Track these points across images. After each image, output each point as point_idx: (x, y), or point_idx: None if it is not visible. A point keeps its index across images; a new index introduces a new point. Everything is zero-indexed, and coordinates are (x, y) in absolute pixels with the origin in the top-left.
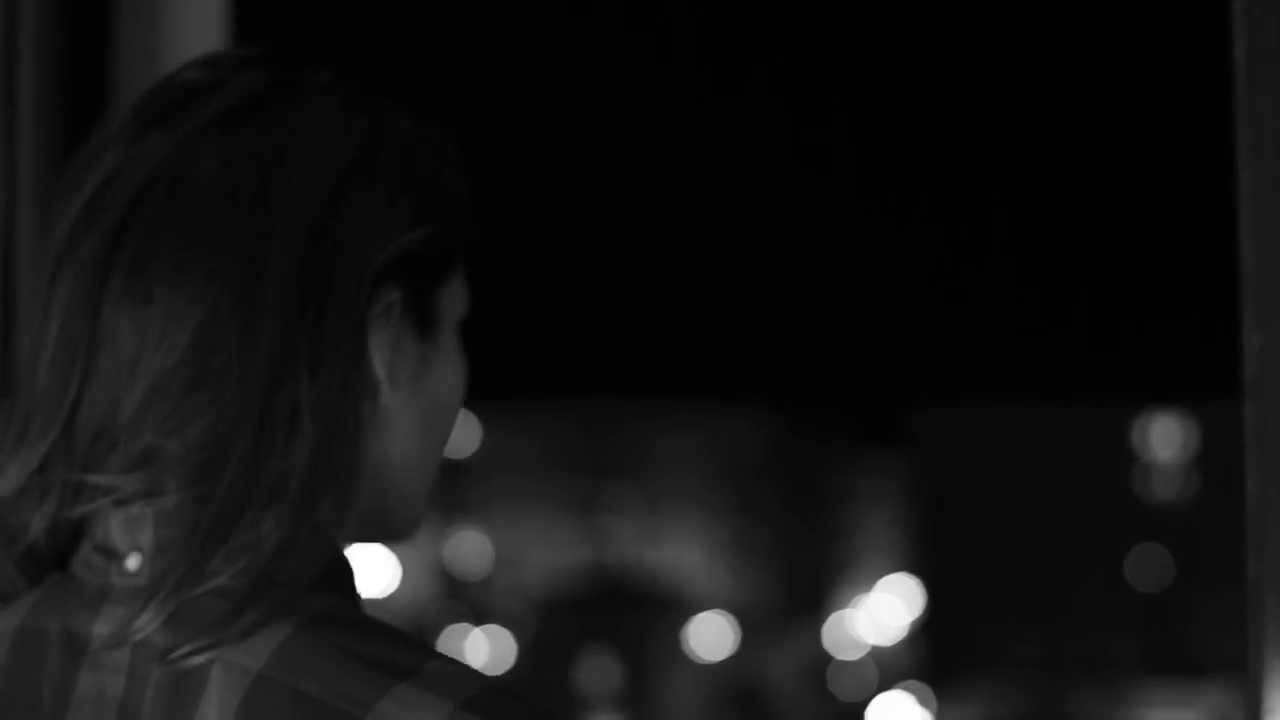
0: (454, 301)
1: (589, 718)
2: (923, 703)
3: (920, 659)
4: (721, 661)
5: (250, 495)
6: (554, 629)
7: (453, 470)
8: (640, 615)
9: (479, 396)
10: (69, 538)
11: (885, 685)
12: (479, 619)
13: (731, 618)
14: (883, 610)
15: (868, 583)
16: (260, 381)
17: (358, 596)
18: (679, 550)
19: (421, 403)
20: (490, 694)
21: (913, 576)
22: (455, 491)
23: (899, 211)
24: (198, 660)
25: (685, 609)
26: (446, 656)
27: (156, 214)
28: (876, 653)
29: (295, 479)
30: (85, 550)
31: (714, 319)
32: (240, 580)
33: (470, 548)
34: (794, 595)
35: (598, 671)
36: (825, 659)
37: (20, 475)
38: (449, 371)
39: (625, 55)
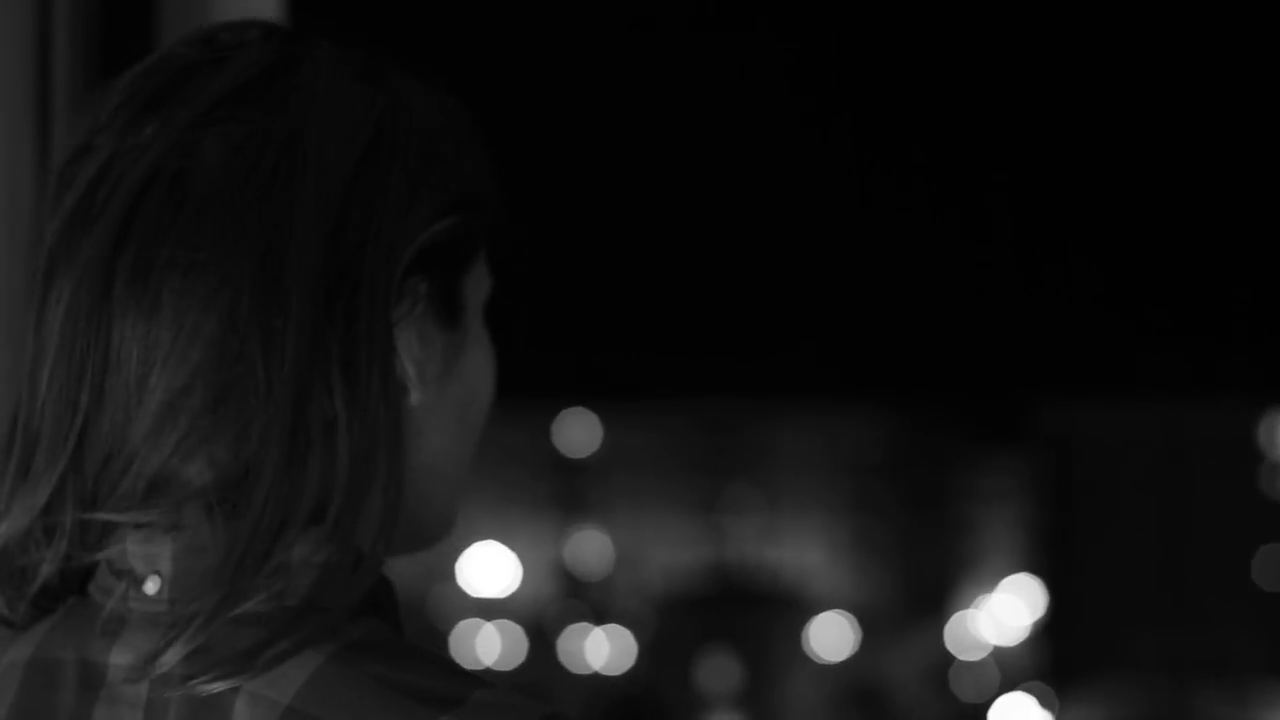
0: (478, 285)
1: (708, 718)
2: (1045, 704)
3: (1042, 660)
4: (842, 661)
5: (288, 517)
6: (674, 628)
7: (572, 470)
8: (760, 615)
9: (598, 395)
10: (86, 566)
11: (1007, 686)
12: (599, 619)
13: (852, 617)
14: (1005, 610)
15: (989, 583)
16: (289, 393)
17: (399, 620)
18: (799, 549)
19: (452, 398)
20: None
21: (1035, 577)
22: (575, 491)
23: (1019, 206)
24: (219, 688)
25: (806, 609)
26: (496, 685)
27: (160, 212)
28: (998, 653)
29: (337, 496)
30: (101, 573)
31: (834, 316)
32: (271, 605)
33: (591, 547)
34: (915, 595)
35: (717, 671)
36: (947, 659)
37: (27, 515)
38: (478, 359)
39: (721, 63)
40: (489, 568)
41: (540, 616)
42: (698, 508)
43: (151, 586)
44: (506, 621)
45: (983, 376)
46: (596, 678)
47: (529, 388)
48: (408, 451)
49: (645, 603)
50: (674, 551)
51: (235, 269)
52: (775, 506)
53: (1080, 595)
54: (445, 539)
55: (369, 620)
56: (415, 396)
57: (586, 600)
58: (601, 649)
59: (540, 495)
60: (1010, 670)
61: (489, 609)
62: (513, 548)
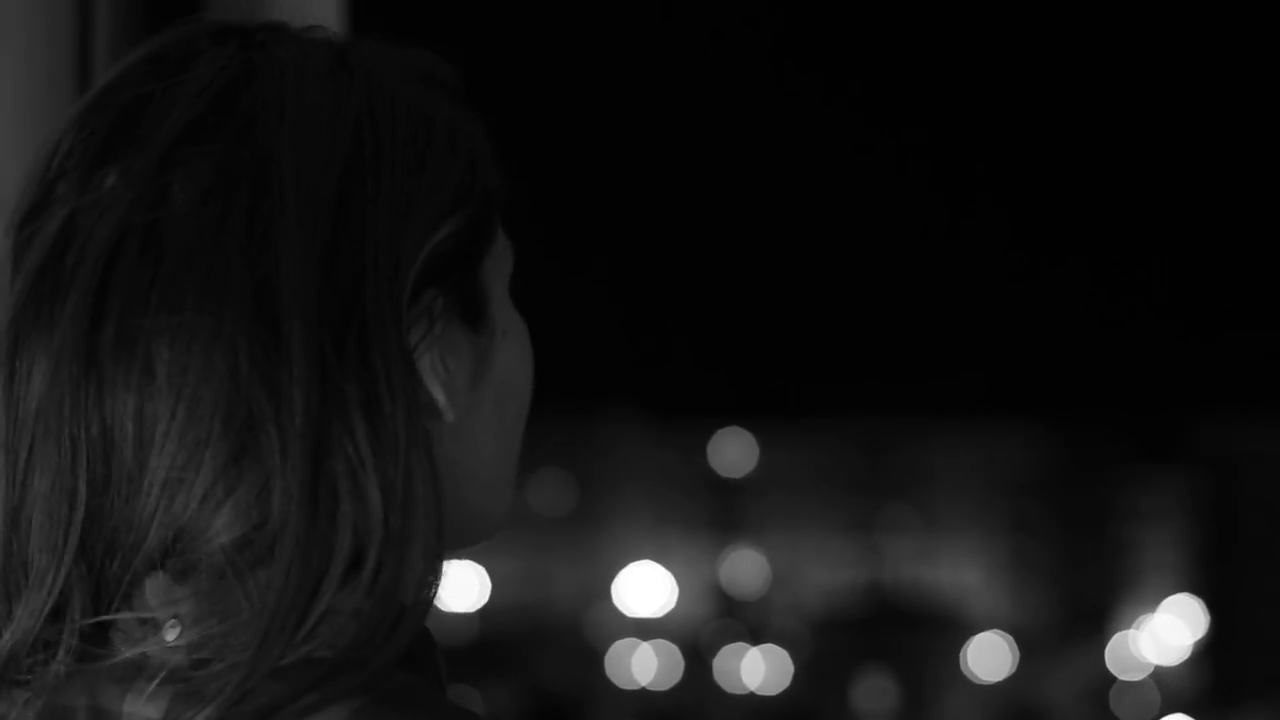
0: (499, 264)
1: None
2: None
3: (1203, 681)
4: (1000, 682)
5: (322, 572)
6: (830, 648)
7: (728, 489)
8: (917, 635)
9: (755, 415)
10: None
11: (1168, 707)
12: (755, 638)
13: (1010, 638)
14: (1166, 631)
15: (1150, 603)
16: (305, 448)
17: (439, 671)
18: (956, 569)
19: (487, 402)
20: None
21: (1196, 597)
22: (730, 511)
23: (1178, 230)
24: None
25: (963, 629)
26: None
27: (136, 276)
28: (1158, 674)
29: (374, 545)
30: (126, 621)
31: (992, 337)
32: (300, 658)
33: (746, 567)
34: (1074, 615)
35: (874, 691)
36: (1107, 680)
37: (33, 619)
38: (511, 347)
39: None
40: (645, 588)
41: (696, 636)
42: (854, 527)
43: (171, 635)
44: (662, 641)
45: (1141, 395)
46: (752, 698)
47: (685, 407)
48: (447, 479)
49: (801, 623)
50: (830, 571)
51: (226, 326)
52: (932, 526)
53: (1242, 615)
54: (492, 536)
55: (401, 674)
56: (450, 415)
57: (742, 620)
58: (757, 669)
59: (695, 515)
60: (1171, 691)
61: (645, 629)
62: (668, 567)
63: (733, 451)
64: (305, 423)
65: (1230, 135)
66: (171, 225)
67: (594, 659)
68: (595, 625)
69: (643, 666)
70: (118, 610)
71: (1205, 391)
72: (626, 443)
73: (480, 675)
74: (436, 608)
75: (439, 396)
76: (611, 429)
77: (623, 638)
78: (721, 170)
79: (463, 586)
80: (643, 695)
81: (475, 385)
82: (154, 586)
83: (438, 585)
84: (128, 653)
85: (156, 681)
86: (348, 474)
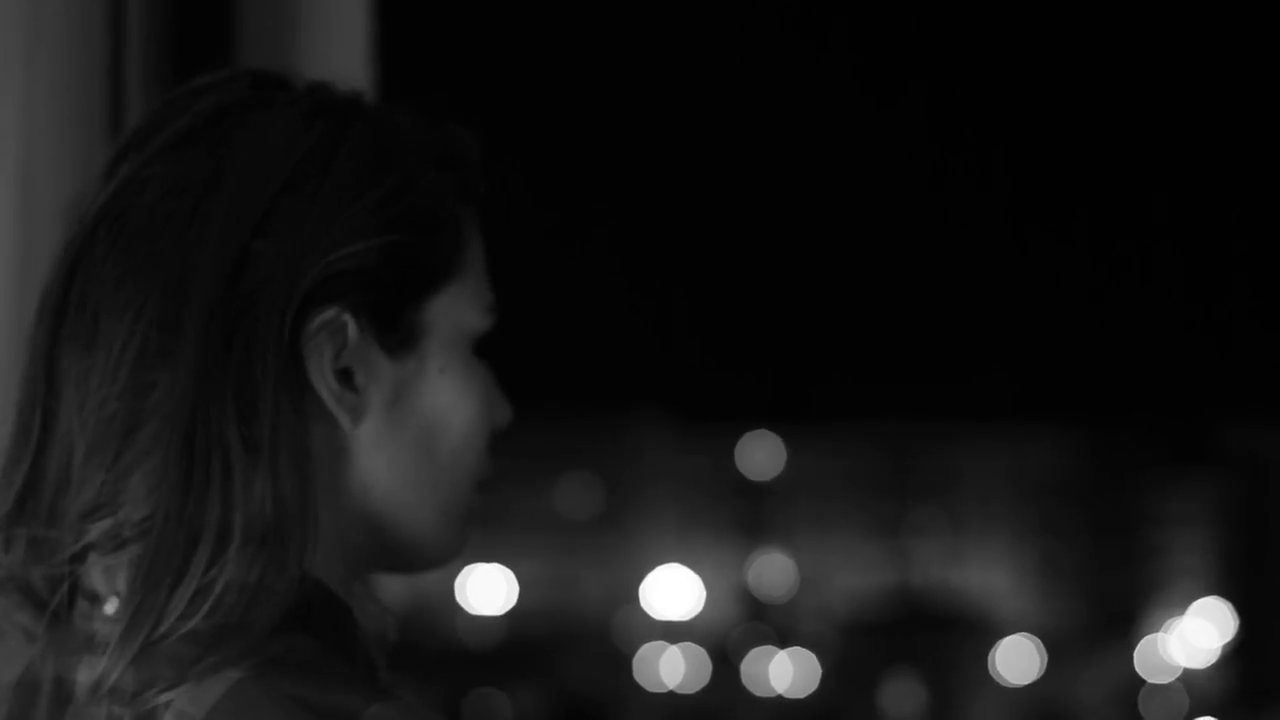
0: (453, 314)
1: None
2: None
3: (1232, 683)
4: (1028, 685)
5: (192, 539)
6: (858, 652)
7: (756, 493)
8: (945, 638)
9: (782, 418)
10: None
11: (1197, 710)
12: (783, 641)
13: (1038, 641)
14: (1195, 634)
15: (1179, 606)
16: (181, 420)
17: (342, 634)
18: (985, 573)
19: (410, 427)
20: None
21: (1225, 600)
22: (758, 514)
23: (1205, 231)
24: (159, 702)
25: (991, 632)
26: (401, 703)
27: (103, 249)
28: (1187, 677)
29: (240, 520)
30: (80, 597)
31: (1020, 340)
32: (210, 624)
33: (774, 570)
34: (1102, 618)
35: (902, 695)
36: (1135, 683)
37: None
38: (444, 392)
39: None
40: (672, 591)
41: (724, 639)
42: (882, 531)
43: (110, 608)
44: (690, 644)
45: (1170, 399)
46: (780, 700)
47: (712, 410)
48: (349, 476)
49: (829, 626)
50: (858, 575)
51: (150, 301)
52: (960, 530)
53: (1271, 618)
54: (441, 564)
55: (294, 637)
56: (349, 422)
57: (770, 623)
58: (785, 672)
59: (723, 518)
60: (1200, 694)
61: (673, 632)
62: (696, 571)
63: (760, 455)
64: (184, 397)
65: (1258, 139)
66: (136, 212)
67: (621, 662)
68: (623, 628)
69: (670, 669)
70: (68, 581)
71: (1235, 395)
72: (654, 446)
73: (507, 678)
74: (465, 610)
75: (330, 404)
76: (639, 432)
77: (650, 641)
78: (751, 176)
79: (490, 590)
80: (670, 698)
81: (393, 407)
82: (97, 564)
83: (319, 553)
84: (81, 626)
85: (101, 652)
86: (219, 453)
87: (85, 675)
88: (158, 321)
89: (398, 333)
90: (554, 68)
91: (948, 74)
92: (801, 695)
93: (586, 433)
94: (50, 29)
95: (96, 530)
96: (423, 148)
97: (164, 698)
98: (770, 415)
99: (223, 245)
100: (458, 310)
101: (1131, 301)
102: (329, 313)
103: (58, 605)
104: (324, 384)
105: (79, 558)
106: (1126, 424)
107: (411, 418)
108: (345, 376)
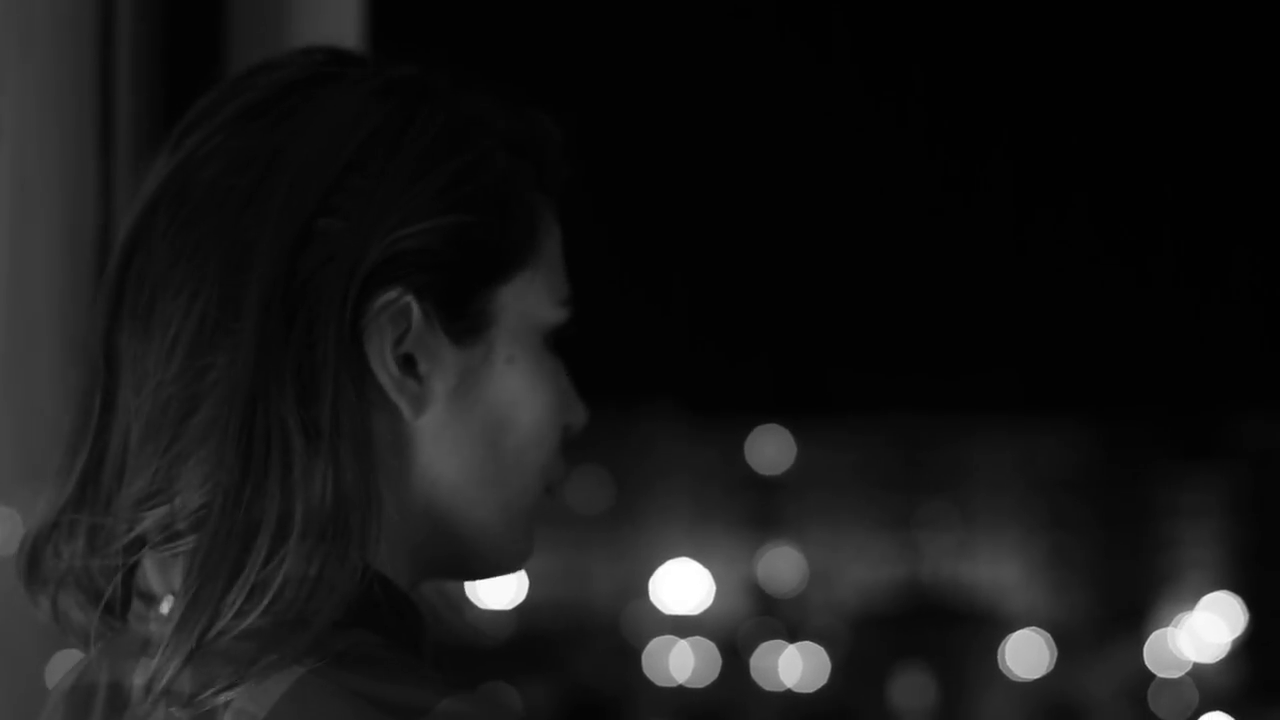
0: (523, 303)
1: None
2: None
3: (1242, 678)
4: (1038, 679)
5: (250, 530)
6: (868, 646)
7: (766, 487)
8: (955, 632)
9: (792, 411)
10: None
11: (1206, 705)
12: (793, 636)
13: (1048, 635)
14: (1205, 628)
15: (1189, 600)
16: (240, 403)
17: (407, 629)
18: (995, 566)
19: (475, 420)
20: None
21: (1235, 594)
22: (768, 508)
23: (1218, 226)
24: (218, 703)
25: (1001, 626)
26: (474, 696)
27: (162, 226)
28: (1197, 671)
29: (301, 510)
30: (135, 598)
31: (1030, 334)
32: (268, 620)
33: (784, 564)
34: (1112, 612)
35: (912, 688)
36: (1145, 677)
37: (51, 511)
38: (513, 384)
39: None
40: (682, 585)
41: (733, 633)
42: (892, 524)
43: (165, 606)
44: (700, 638)
45: (1182, 392)
46: (789, 695)
47: (722, 404)
48: (411, 468)
49: (839, 620)
50: (868, 568)
51: (208, 279)
52: (970, 523)
53: None
54: (506, 569)
55: (357, 632)
56: (411, 412)
57: (780, 617)
58: (795, 666)
59: (733, 512)
60: (1208, 688)
61: (682, 626)
62: (706, 565)
63: (770, 449)
64: (245, 379)
65: (1271, 134)
66: (195, 189)
67: (631, 656)
68: (632, 622)
69: (680, 664)
70: (123, 582)
71: (1246, 388)
72: (664, 440)
73: (517, 672)
74: (474, 604)
75: (390, 390)
76: (649, 426)
77: (660, 635)
78: (763, 170)
79: (500, 584)
80: (680, 692)
81: (457, 398)
82: (151, 560)
83: (381, 548)
84: (137, 628)
85: (156, 654)
86: (279, 439)
87: (140, 678)
88: (216, 300)
89: (464, 319)
90: (559, 57)
91: (960, 66)
92: (811, 689)
93: (597, 426)
94: (42, 28)
95: (151, 519)
96: (499, 131)
97: (223, 698)
98: (780, 409)
99: (284, 223)
100: (528, 300)
101: (1143, 295)
102: (391, 294)
103: (113, 602)
104: (384, 369)
105: (132, 549)
106: (1137, 418)
107: (478, 408)
108: (408, 363)
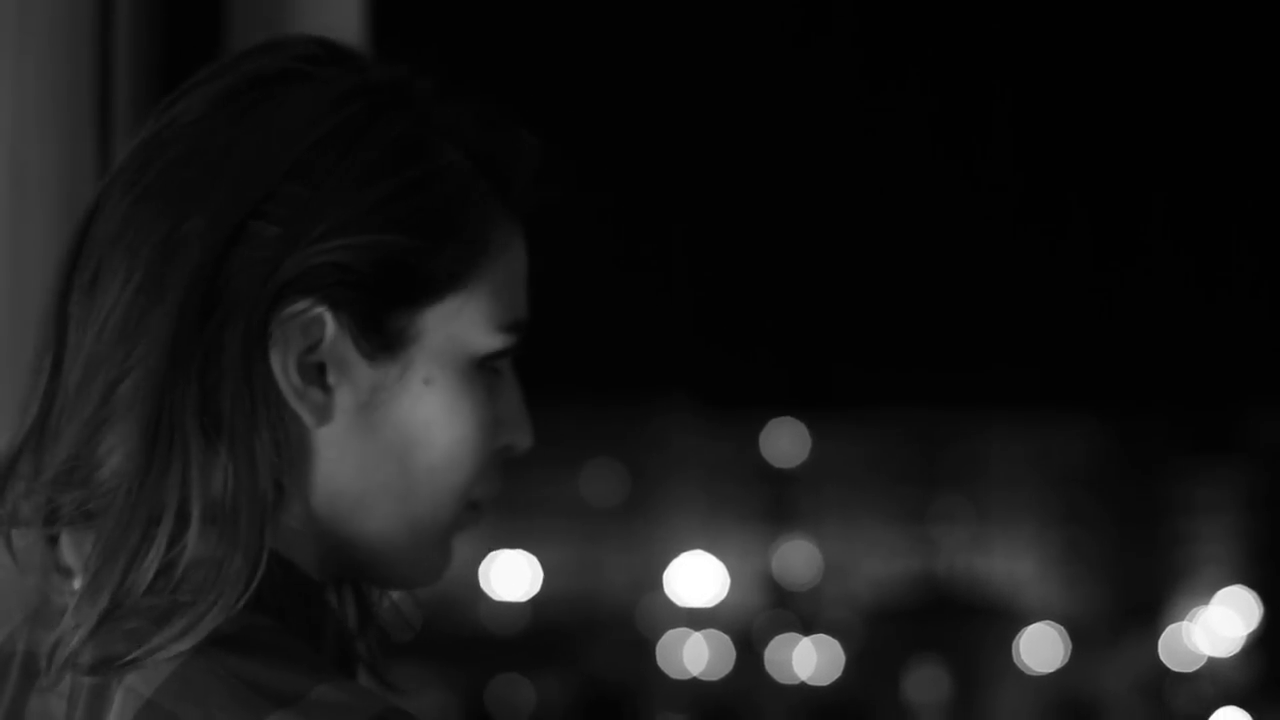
0: (451, 327)
1: None
2: (1260, 719)
3: (1257, 672)
4: (1052, 673)
5: (152, 518)
6: (883, 639)
7: (780, 480)
8: (970, 626)
9: (807, 405)
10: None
11: (1221, 699)
12: (807, 629)
13: (1063, 629)
14: (1220, 623)
15: (1204, 595)
16: (148, 397)
17: (309, 618)
18: (1010, 560)
19: (383, 436)
20: None
21: (1250, 589)
22: (783, 501)
23: (1227, 221)
24: (111, 678)
25: (1016, 620)
26: (351, 684)
27: (116, 197)
28: (1212, 666)
29: (198, 504)
30: (54, 571)
31: (1045, 329)
32: (166, 599)
33: (798, 557)
34: (1127, 607)
35: (926, 682)
36: (1160, 672)
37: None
38: (428, 405)
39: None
40: (697, 578)
41: (748, 626)
42: (907, 518)
43: (78, 582)
44: (714, 631)
45: (1197, 387)
46: (803, 688)
47: (737, 397)
48: (313, 474)
49: (853, 613)
50: (883, 562)
51: (140, 263)
52: (985, 517)
53: None
54: (418, 583)
55: (252, 616)
56: (312, 420)
57: (794, 610)
58: (809, 659)
59: (748, 505)
60: (1223, 683)
61: (697, 619)
62: (720, 558)
63: (785, 442)
64: (158, 365)
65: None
66: (150, 171)
67: (645, 649)
68: (647, 615)
69: (694, 656)
70: (46, 551)
71: (1262, 383)
72: (678, 433)
73: (531, 665)
74: (489, 597)
75: (290, 398)
76: (663, 419)
77: (674, 628)
78: (777, 163)
79: (514, 576)
80: (694, 685)
81: (366, 412)
82: (68, 536)
83: (260, 538)
84: (55, 600)
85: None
86: (181, 443)
87: (49, 648)
88: (145, 285)
89: (381, 336)
90: (569, 50)
91: (976, 57)
92: (825, 682)
93: (612, 420)
94: (39, 21)
95: (68, 501)
96: (467, 144)
97: (121, 673)
98: (795, 402)
99: (219, 221)
100: (457, 324)
101: (1158, 289)
102: (302, 304)
103: (40, 576)
104: (285, 377)
105: (51, 521)
106: (1153, 412)
107: (386, 425)
108: (318, 372)
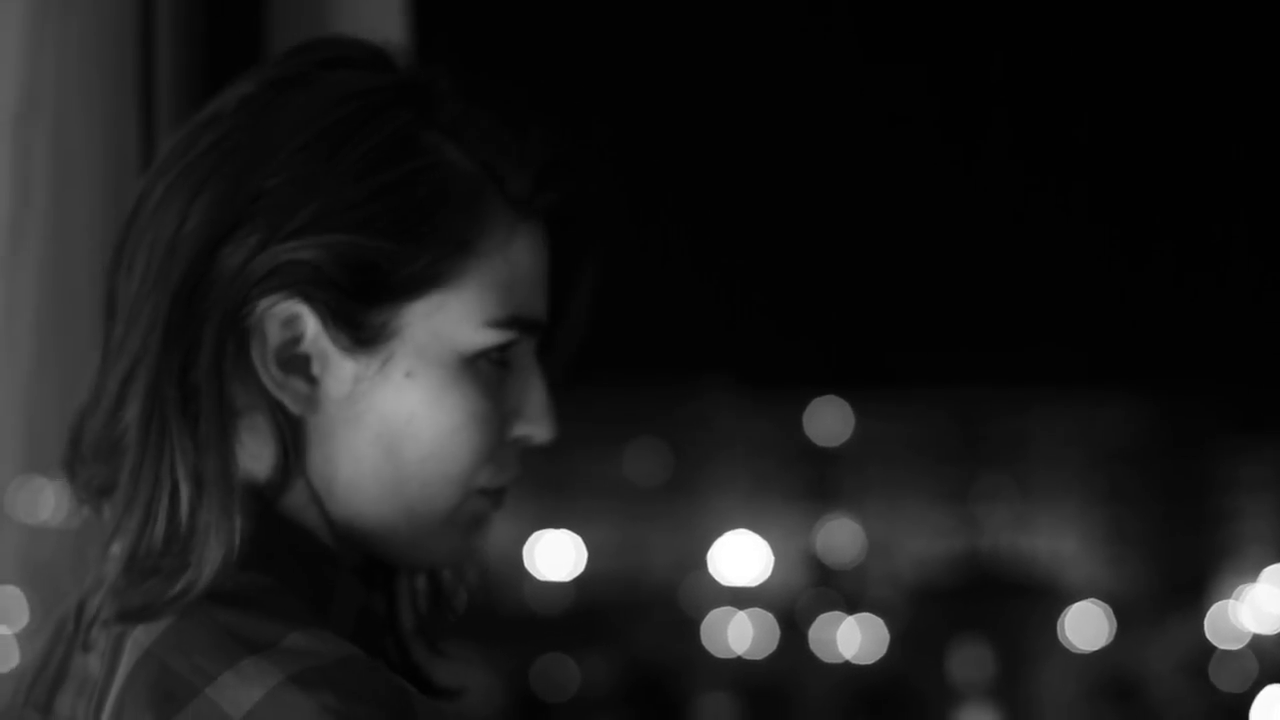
0: (433, 322)
1: (961, 707)
2: None
3: None
4: (1097, 651)
5: (152, 495)
6: (927, 618)
7: (823, 458)
8: (1014, 604)
9: (850, 384)
10: None
11: (1265, 677)
12: (851, 607)
13: (1107, 607)
14: (1266, 600)
15: (1250, 572)
16: (145, 382)
17: (312, 578)
18: (1053, 538)
19: (368, 427)
20: (331, 669)
21: None
22: (826, 480)
23: (1275, 193)
24: (126, 632)
25: (1060, 598)
26: (323, 633)
27: (155, 183)
28: (1258, 643)
29: (186, 486)
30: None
31: (1087, 306)
32: (176, 561)
33: (842, 536)
34: (1172, 584)
35: (971, 661)
36: (1206, 649)
37: (76, 415)
38: (410, 398)
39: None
40: (741, 557)
41: (792, 605)
42: (951, 497)
43: (116, 547)
44: (758, 610)
45: (1241, 364)
46: (848, 666)
47: (780, 377)
48: (309, 461)
49: (897, 592)
50: (927, 541)
51: (156, 252)
52: (1029, 496)
53: None
54: (428, 565)
55: (250, 576)
56: (296, 409)
57: (838, 589)
58: (853, 638)
59: (791, 484)
60: (1270, 660)
61: (741, 598)
62: (764, 536)
63: (828, 420)
64: (146, 369)
65: None
66: (180, 160)
67: (690, 628)
68: (691, 594)
69: (738, 635)
70: (94, 520)
71: None
72: (722, 412)
73: (576, 644)
74: (533, 576)
75: (271, 389)
76: (707, 399)
77: (718, 607)
78: (819, 144)
79: (559, 556)
80: (738, 664)
81: (349, 404)
82: (108, 508)
83: (231, 510)
84: (98, 564)
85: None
86: (165, 429)
87: (75, 607)
88: (154, 273)
89: (359, 330)
90: (609, 42)
91: (1020, 42)
92: (870, 661)
93: (655, 399)
94: (86, 8)
95: (106, 473)
96: (469, 146)
97: (128, 626)
98: (838, 381)
99: (212, 217)
100: (440, 320)
101: (1203, 267)
102: (274, 299)
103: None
104: (265, 369)
105: (106, 491)
106: (1197, 389)
107: (370, 416)
108: (302, 364)
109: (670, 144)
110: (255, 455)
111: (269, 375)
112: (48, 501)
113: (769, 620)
